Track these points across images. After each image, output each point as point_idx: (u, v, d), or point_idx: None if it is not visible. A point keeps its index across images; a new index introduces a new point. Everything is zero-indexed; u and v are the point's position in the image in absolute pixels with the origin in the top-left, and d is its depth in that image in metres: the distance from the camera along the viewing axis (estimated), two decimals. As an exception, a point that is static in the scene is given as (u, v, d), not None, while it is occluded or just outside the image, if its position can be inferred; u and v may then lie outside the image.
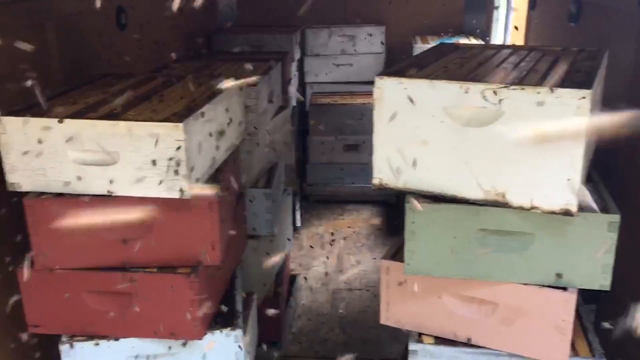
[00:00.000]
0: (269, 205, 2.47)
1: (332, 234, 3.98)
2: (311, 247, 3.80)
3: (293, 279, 3.16)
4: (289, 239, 3.01)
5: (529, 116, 1.36)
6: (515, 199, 1.43)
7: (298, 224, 4.01)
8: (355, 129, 4.33)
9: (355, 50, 4.50)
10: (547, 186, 1.39)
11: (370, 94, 4.77)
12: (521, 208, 1.44)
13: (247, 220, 2.23)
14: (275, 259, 2.65)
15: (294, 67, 4.12)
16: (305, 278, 3.40)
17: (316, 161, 4.38)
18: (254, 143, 2.36)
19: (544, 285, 1.51)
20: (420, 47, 4.10)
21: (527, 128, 1.37)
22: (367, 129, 4.26)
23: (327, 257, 3.67)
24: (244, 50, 3.51)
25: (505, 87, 1.38)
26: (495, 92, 1.38)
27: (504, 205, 1.45)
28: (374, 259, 3.65)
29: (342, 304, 3.17)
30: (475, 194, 1.47)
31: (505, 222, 1.48)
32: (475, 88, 1.40)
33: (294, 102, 3.93)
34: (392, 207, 4.36)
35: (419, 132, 1.49)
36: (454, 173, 1.48)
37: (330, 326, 2.97)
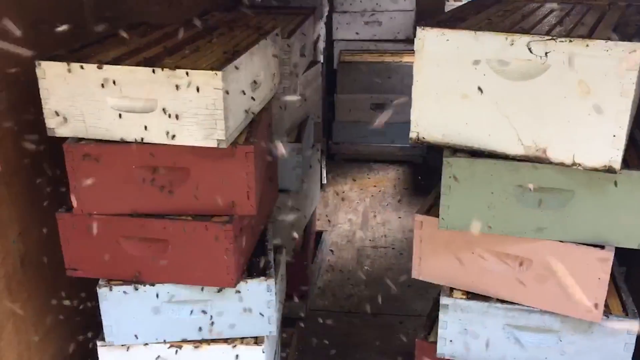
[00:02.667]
0: (299, 160, 2.47)
1: (358, 192, 3.99)
2: (338, 204, 3.81)
3: (319, 235, 3.19)
4: (315, 195, 3.02)
5: (575, 70, 1.33)
6: (556, 155, 1.41)
7: (324, 181, 4.01)
8: (384, 87, 4.29)
9: (385, 7, 4.42)
10: (590, 142, 1.36)
11: (399, 52, 4.70)
12: (562, 164, 1.42)
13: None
14: (304, 214, 2.67)
15: (322, 23, 4.06)
16: (331, 235, 3.42)
17: (343, 119, 4.36)
18: (286, 96, 2.34)
19: (581, 243, 1.50)
20: (452, 5, 4.01)
21: (573, 82, 1.34)
22: (395, 88, 4.26)
23: (352, 215, 3.69)
24: (271, 5, 3.46)
25: (552, 39, 1.34)
26: (542, 44, 1.35)
27: (545, 161, 1.43)
28: (400, 218, 3.66)
29: (367, 261, 3.20)
30: (515, 150, 1.45)
31: (545, 178, 1.46)
32: (521, 40, 1.37)
33: (321, 59, 3.88)
34: (418, 167, 4.34)
35: (460, 86, 1.46)
36: (494, 128, 1.46)
37: (355, 282, 3.00)
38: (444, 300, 1.65)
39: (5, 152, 1.74)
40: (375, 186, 4.09)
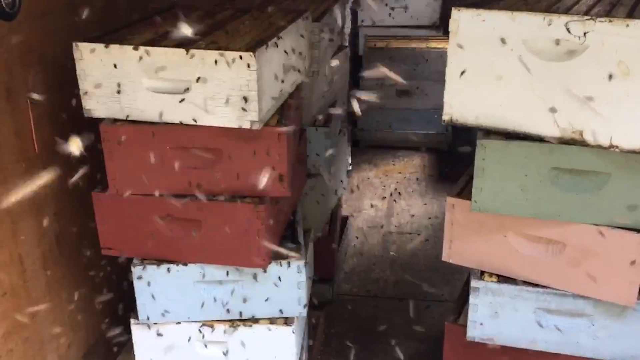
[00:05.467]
0: (327, 144, 2.47)
1: (383, 178, 3.98)
2: (363, 190, 3.81)
3: (344, 220, 3.19)
4: (341, 180, 3.02)
5: (614, 50, 1.31)
6: (593, 137, 1.40)
7: (349, 168, 4.01)
8: (409, 74, 4.26)
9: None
10: (629, 124, 1.35)
11: (425, 38, 4.66)
12: (599, 147, 1.40)
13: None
14: (331, 199, 2.68)
15: (347, 8, 4.04)
16: (356, 221, 3.43)
17: (368, 106, 4.34)
18: (315, 80, 2.34)
19: (616, 226, 1.48)
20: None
21: (612, 63, 1.32)
22: (420, 75, 4.24)
23: (377, 201, 3.69)
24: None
25: (591, 19, 1.32)
26: (580, 25, 1.33)
27: (581, 143, 1.42)
28: (425, 204, 3.65)
29: (393, 246, 3.20)
30: (550, 132, 1.44)
31: (581, 161, 1.45)
32: (560, 20, 1.35)
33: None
34: (443, 154, 4.31)
35: (495, 67, 1.45)
36: (529, 110, 1.45)
37: (381, 267, 3.00)
38: (474, 283, 1.65)
39: (42, 133, 1.78)
40: (400, 173, 4.08)
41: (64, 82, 1.75)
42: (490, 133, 1.52)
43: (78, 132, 1.86)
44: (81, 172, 1.87)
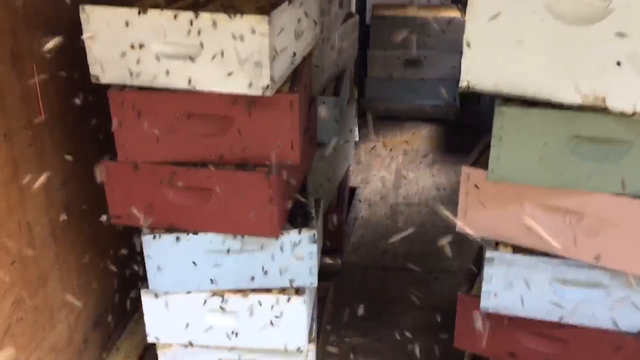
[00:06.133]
0: (336, 114, 2.43)
1: (390, 150, 3.95)
2: (370, 161, 3.78)
3: (352, 192, 3.17)
4: (349, 151, 2.99)
5: (641, 14, 1.27)
6: (616, 104, 1.36)
7: (356, 138, 3.98)
8: (417, 43, 4.19)
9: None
10: (654, 90, 1.31)
11: (434, 6, 4.59)
12: (622, 114, 1.36)
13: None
14: (339, 169, 2.65)
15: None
16: (364, 192, 3.40)
17: (374, 76, 4.29)
18: (325, 48, 2.30)
19: (636, 197, 1.45)
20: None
21: (637, 27, 1.28)
22: (429, 44, 4.17)
23: (384, 172, 3.66)
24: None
25: (618, -20, 1.27)
26: (607, -14, 1.28)
27: (603, 110, 1.38)
28: (433, 176, 3.62)
29: (401, 217, 3.18)
30: (571, 98, 1.40)
31: (603, 128, 1.41)
32: (585, -18, 1.30)
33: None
34: (451, 125, 4.27)
35: (515, 31, 1.40)
36: (550, 75, 1.40)
37: (389, 238, 2.99)
38: (489, 253, 1.63)
39: (49, 101, 1.74)
40: (407, 144, 4.05)
41: (71, 46, 1.71)
42: (508, 100, 1.48)
43: (85, 99, 1.83)
44: (89, 139, 1.85)
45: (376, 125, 4.28)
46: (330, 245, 2.51)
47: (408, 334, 2.30)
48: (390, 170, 3.69)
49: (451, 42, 4.12)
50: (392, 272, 2.73)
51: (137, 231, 1.78)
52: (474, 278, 1.88)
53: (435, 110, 4.30)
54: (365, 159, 3.82)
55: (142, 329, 2.21)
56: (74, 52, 1.65)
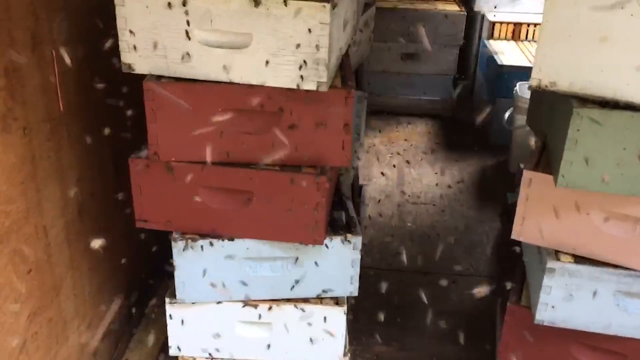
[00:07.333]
0: (358, 109, 2.31)
1: (389, 146, 3.84)
2: (370, 158, 3.67)
3: (359, 189, 3.05)
4: (360, 149, 2.87)
5: None
6: None
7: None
8: (415, 36, 4.08)
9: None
10: None
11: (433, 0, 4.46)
12: None
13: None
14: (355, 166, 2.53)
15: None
16: (368, 190, 3.29)
17: (371, 69, 4.16)
18: (353, 41, 2.16)
19: None
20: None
21: None
22: (427, 37, 4.05)
23: (386, 169, 3.55)
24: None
25: None
26: None
27: (690, 115, 1.29)
28: (436, 173, 3.53)
29: (410, 217, 3.08)
30: (657, 101, 1.31)
31: (688, 134, 1.33)
32: (685, -25, 1.21)
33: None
34: (447, 121, 4.18)
35: (599, 27, 1.30)
36: (635, 76, 1.31)
37: (400, 239, 2.88)
38: (550, 264, 1.53)
39: (67, 90, 1.57)
40: (406, 140, 3.94)
41: (94, 31, 1.54)
42: (585, 101, 1.38)
43: (107, 90, 1.66)
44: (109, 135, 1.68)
45: (372, 119, 4.16)
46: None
47: (434, 341, 2.20)
48: (391, 167, 3.58)
49: (449, 36, 4.03)
50: (407, 275, 2.62)
51: (152, 235, 1.62)
52: (522, 286, 1.78)
53: (431, 105, 4.21)
54: (365, 156, 3.71)
55: (151, 338, 2.06)
56: (97, 39, 1.48)
